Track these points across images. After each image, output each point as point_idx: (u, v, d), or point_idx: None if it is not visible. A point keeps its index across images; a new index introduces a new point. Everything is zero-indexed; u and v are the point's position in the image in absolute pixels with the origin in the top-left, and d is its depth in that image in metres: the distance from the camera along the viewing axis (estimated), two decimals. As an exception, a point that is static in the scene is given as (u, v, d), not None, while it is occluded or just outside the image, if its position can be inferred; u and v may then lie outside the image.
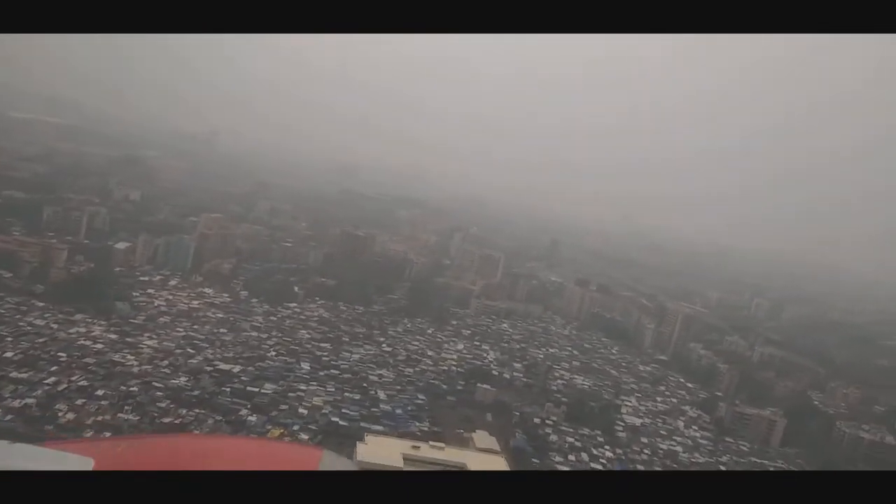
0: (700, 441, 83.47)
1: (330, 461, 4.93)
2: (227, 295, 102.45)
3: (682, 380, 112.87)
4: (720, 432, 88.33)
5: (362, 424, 63.89)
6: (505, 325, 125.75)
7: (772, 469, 77.71)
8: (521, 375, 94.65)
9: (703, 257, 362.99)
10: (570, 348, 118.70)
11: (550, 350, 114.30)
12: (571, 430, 77.09)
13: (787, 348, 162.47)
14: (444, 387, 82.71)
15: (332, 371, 78.15)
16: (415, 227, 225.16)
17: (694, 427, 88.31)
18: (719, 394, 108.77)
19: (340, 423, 64.48)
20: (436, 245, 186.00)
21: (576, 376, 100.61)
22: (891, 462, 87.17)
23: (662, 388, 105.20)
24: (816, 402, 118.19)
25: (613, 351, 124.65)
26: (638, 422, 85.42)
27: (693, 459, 76.11)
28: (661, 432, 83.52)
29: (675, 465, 73.19)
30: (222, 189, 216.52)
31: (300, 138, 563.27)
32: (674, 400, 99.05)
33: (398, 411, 70.54)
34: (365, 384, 76.55)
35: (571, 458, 69.47)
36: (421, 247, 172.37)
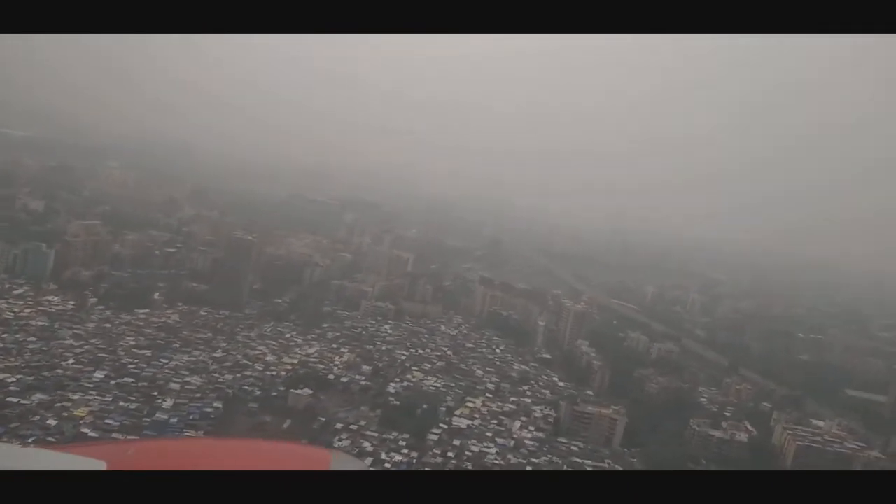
0: (526, 442, 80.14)
1: (341, 462, 4.62)
2: (73, 303, 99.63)
3: (555, 379, 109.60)
4: (555, 433, 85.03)
5: (114, 435, 61.04)
6: (387, 326, 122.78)
7: (590, 469, 74.46)
8: (363, 379, 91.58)
9: (678, 251, 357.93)
10: (446, 348, 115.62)
11: (421, 351, 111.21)
12: (375, 434, 73.99)
13: (701, 343, 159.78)
14: (257, 393, 79.71)
15: (126, 379, 75.16)
16: (351, 231, 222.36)
17: (531, 428, 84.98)
18: (590, 392, 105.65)
19: (90, 433, 61.45)
20: (356, 248, 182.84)
21: (430, 378, 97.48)
22: (734, 460, 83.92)
23: (525, 388, 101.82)
24: (703, 399, 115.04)
25: (497, 350, 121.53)
26: (465, 424, 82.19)
27: (503, 461, 72.89)
28: (487, 434, 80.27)
29: (482, 466, 70.13)
30: (155, 196, 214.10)
31: (287, 139, 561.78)
32: (528, 400, 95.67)
33: (173, 420, 67.48)
34: (156, 392, 73.55)
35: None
36: (332, 250, 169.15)
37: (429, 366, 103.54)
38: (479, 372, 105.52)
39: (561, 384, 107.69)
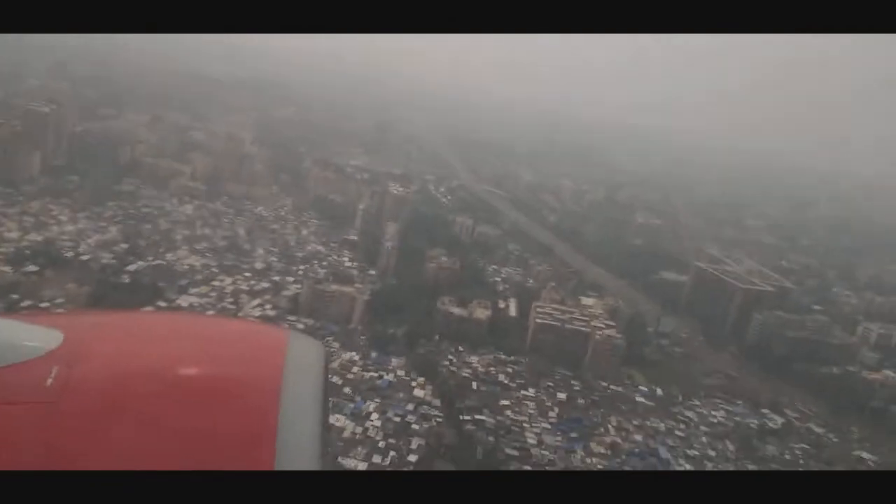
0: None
1: (298, 345, 4.07)
2: None
3: (343, 259, 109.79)
4: (293, 311, 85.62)
5: None
6: (189, 206, 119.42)
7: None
8: (111, 257, 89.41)
9: (614, 142, 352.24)
10: (241, 229, 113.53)
11: (209, 231, 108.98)
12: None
13: (545, 228, 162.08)
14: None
15: None
16: (227, 110, 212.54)
17: (267, 307, 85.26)
18: (372, 272, 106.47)
19: None
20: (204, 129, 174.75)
21: (194, 257, 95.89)
22: (466, 335, 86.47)
23: (303, 267, 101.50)
24: (496, 279, 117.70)
25: (303, 231, 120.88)
26: (190, 301, 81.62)
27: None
28: (208, 311, 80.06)
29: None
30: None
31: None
32: (290, 279, 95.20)
33: None
34: None
35: None
36: (174, 128, 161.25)
37: (205, 245, 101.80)
38: (260, 252, 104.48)
39: (347, 264, 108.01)
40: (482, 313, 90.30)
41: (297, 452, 3.34)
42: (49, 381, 3.51)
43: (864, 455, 79.97)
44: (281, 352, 3.99)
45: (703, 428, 78.54)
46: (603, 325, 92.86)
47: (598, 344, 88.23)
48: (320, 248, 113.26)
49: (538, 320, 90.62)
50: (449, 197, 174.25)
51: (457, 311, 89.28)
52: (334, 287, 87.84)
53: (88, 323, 4.58)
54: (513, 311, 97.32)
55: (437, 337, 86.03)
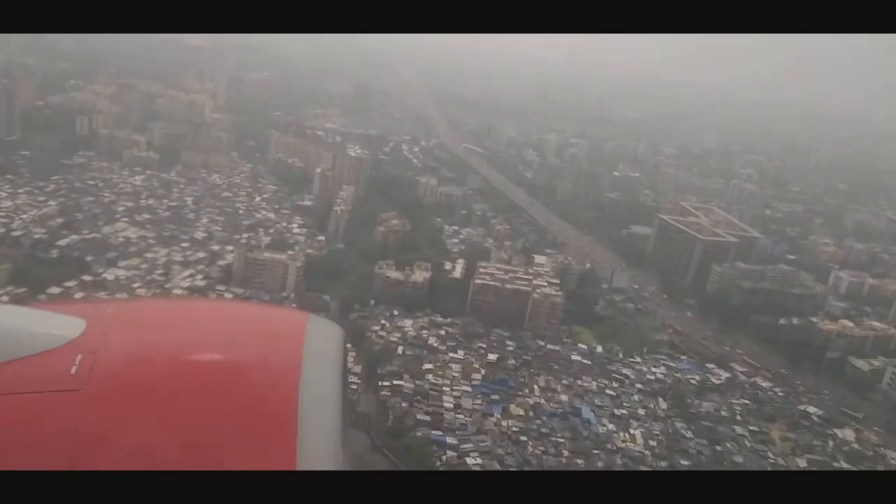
0: (176, 291, 79.63)
1: (318, 325, 4.21)
2: None
3: (293, 225, 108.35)
4: (225, 280, 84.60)
5: None
6: (139, 178, 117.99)
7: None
8: (43, 232, 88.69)
9: (615, 98, 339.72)
10: (189, 199, 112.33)
11: (153, 202, 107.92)
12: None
13: (519, 186, 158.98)
14: None
15: None
16: (201, 77, 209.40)
17: (199, 277, 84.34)
18: (321, 238, 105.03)
19: None
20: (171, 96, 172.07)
21: (133, 228, 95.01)
22: (404, 297, 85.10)
23: (247, 235, 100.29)
24: (453, 241, 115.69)
25: (257, 198, 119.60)
26: (117, 274, 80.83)
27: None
28: (135, 285, 79.32)
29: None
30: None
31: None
32: (230, 248, 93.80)
33: None
34: None
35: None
36: (140, 98, 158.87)
37: (147, 216, 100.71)
38: (205, 221, 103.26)
39: (296, 230, 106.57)
40: (421, 276, 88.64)
41: (318, 438, 3.38)
42: (73, 369, 3.52)
43: (810, 409, 78.12)
44: (300, 336, 3.99)
45: (638, 386, 76.99)
46: (546, 284, 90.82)
47: (537, 303, 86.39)
48: (271, 214, 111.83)
49: (477, 281, 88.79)
50: (421, 157, 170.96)
51: (394, 274, 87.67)
52: (266, 255, 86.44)
53: (110, 310, 4.52)
54: (458, 273, 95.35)
55: (372, 302, 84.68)
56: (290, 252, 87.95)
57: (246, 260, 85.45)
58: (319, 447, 3.36)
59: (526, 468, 59.04)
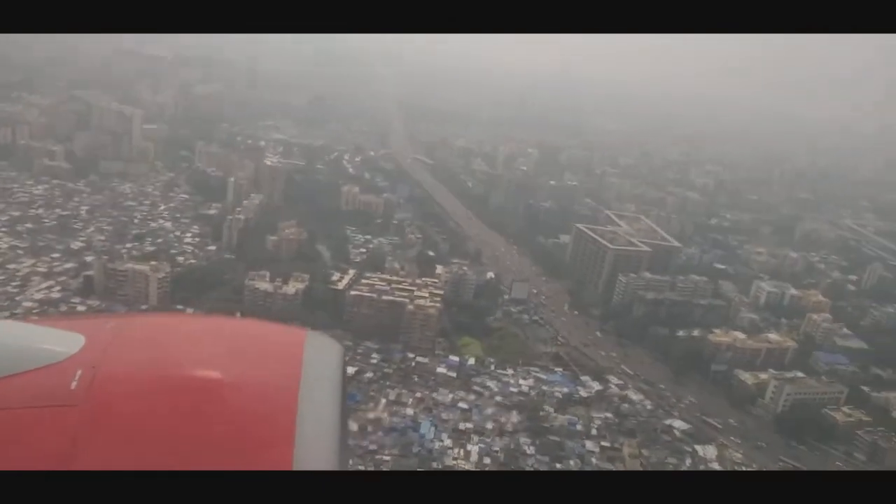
0: (26, 304, 77.15)
1: (316, 342, 4.33)
2: None
3: (187, 235, 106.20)
4: (84, 292, 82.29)
5: None
6: (41, 187, 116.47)
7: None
8: None
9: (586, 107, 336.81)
10: (85, 207, 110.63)
11: (41, 211, 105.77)
12: None
13: (455, 195, 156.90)
14: None
15: None
16: (153, 90, 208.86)
17: (56, 289, 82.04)
18: (212, 248, 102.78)
19: None
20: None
21: (7, 238, 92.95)
22: (275, 311, 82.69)
23: (133, 244, 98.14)
24: (357, 252, 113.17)
25: (161, 207, 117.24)
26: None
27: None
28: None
29: None
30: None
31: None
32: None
33: None
34: None
35: None
36: (81, 112, 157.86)
37: (29, 226, 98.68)
38: (90, 231, 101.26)
39: (187, 240, 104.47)
40: (294, 287, 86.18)
41: (316, 454, 3.39)
42: (73, 384, 3.57)
43: (676, 424, 74.88)
44: (298, 353, 4.00)
45: (497, 399, 73.98)
46: (427, 296, 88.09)
47: (411, 315, 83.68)
48: (168, 224, 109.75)
49: (353, 293, 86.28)
50: (360, 167, 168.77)
51: (264, 286, 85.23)
52: (129, 266, 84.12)
53: (109, 326, 4.43)
54: (343, 285, 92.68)
55: (238, 314, 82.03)
56: (153, 263, 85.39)
57: (106, 271, 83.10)
58: (317, 463, 3.32)
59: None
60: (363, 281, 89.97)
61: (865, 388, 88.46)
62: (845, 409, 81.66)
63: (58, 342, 3.86)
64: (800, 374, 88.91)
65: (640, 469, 63.60)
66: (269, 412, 3.56)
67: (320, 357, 4.07)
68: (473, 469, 59.83)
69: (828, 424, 78.41)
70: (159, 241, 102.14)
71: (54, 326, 4.21)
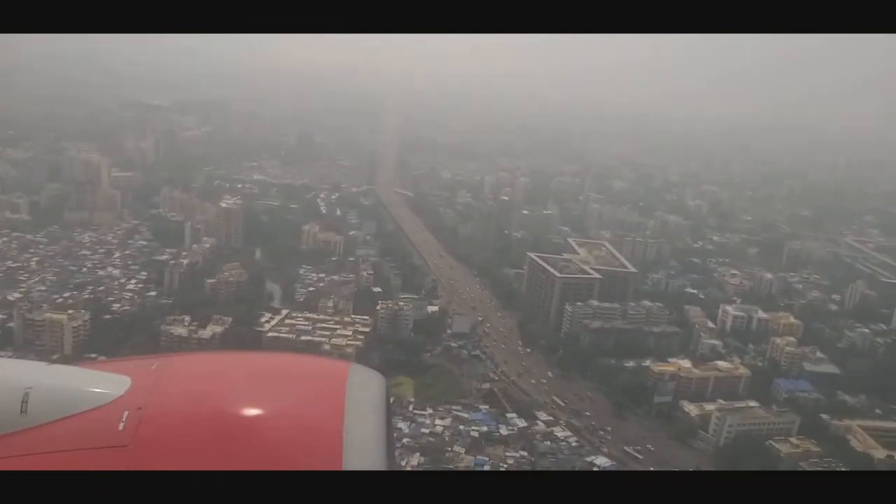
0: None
1: (358, 375, 4.30)
2: None
3: (132, 281, 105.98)
4: (2, 343, 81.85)
5: None
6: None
7: None
8: None
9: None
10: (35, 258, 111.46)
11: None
12: None
13: (428, 223, 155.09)
14: None
15: None
16: (137, 138, 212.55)
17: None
18: (152, 293, 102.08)
19: None
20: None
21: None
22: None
23: (69, 293, 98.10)
24: (313, 277, 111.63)
25: (116, 254, 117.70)
26: None
27: None
28: None
29: None
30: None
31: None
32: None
33: None
34: None
35: None
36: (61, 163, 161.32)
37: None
38: (33, 282, 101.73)
39: (130, 286, 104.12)
40: (211, 330, 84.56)
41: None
42: (121, 425, 3.61)
43: (598, 461, 70.20)
44: (342, 386, 4.02)
45: (404, 441, 70.32)
46: (350, 334, 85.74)
47: (326, 355, 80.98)
48: (116, 272, 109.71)
49: (270, 334, 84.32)
50: (335, 204, 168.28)
51: (179, 330, 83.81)
52: (46, 315, 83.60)
53: (153, 366, 4.49)
54: (269, 326, 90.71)
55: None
56: (70, 312, 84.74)
57: (24, 322, 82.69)
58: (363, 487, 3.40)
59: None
60: (287, 321, 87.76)
61: (825, 416, 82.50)
62: (793, 439, 76.06)
63: (104, 384, 3.93)
64: (752, 404, 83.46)
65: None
66: (315, 446, 3.55)
67: (364, 388, 4.00)
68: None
69: (771, 456, 72.77)
70: (101, 289, 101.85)
71: (101, 369, 4.25)
